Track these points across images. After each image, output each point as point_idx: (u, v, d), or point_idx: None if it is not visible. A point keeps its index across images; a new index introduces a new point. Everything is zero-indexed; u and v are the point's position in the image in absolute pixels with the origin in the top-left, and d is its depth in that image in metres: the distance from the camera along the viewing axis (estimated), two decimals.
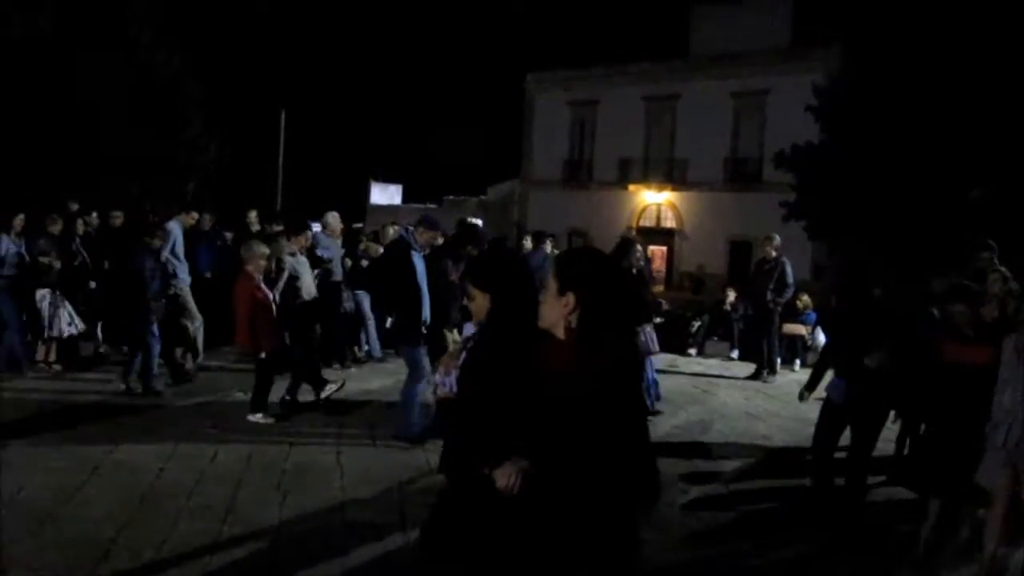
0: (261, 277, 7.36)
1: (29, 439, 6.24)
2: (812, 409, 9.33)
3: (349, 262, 10.75)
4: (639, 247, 7.99)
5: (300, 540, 4.59)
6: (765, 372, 10.76)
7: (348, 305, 10.32)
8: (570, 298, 2.35)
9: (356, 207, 33.69)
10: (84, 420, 6.86)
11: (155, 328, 8.06)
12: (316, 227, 12.89)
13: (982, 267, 6.93)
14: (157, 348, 8.07)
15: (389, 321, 8.16)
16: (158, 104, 22.40)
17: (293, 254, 8.11)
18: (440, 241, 7.77)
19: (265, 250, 7.50)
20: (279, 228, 9.80)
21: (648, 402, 8.15)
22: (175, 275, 8.94)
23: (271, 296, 7.36)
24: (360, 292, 10.49)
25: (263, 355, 7.17)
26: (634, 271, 7.74)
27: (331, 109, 40.59)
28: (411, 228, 7.29)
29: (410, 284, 6.81)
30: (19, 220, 8.93)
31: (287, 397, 7.74)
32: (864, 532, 5.23)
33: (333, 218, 10.21)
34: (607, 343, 2.32)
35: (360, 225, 13.14)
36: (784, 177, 20.46)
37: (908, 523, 5.21)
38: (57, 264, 9.00)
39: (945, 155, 15.48)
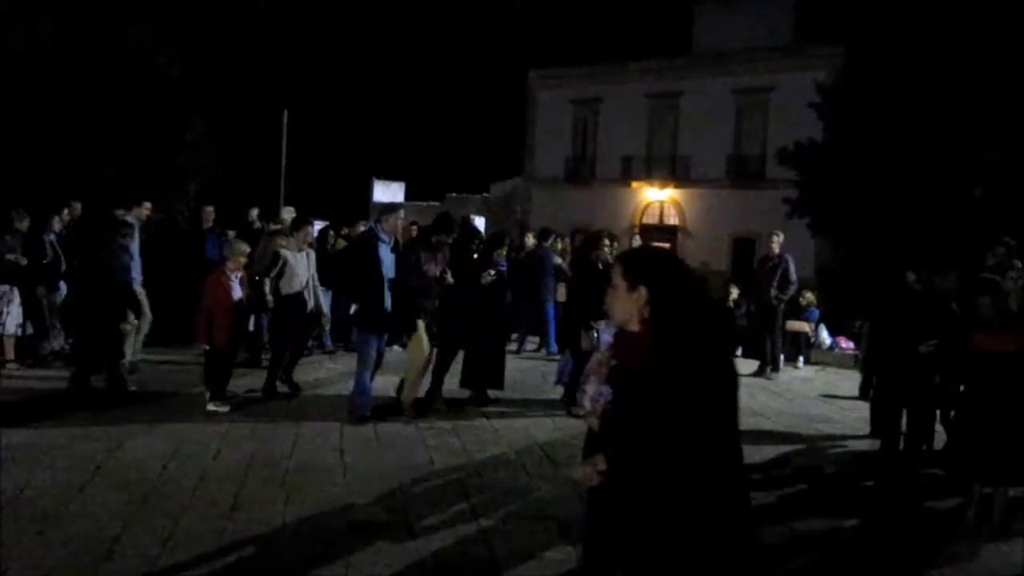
0: (238, 275, 7.61)
1: (31, 439, 6.24)
2: (816, 405, 9.32)
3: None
4: (607, 241, 8.02)
5: (304, 539, 4.58)
6: (768, 369, 10.75)
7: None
8: (642, 292, 2.44)
9: (359, 205, 33.66)
10: (86, 419, 6.86)
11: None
12: (319, 225, 12.92)
13: (998, 263, 7.14)
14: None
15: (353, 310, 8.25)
16: (159, 105, 22.41)
17: (293, 249, 8.37)
18: (414, 231, 7.85)
19: (246, 248, 7.87)
20: (276, 226, 10.05)
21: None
22: (129, 273, 8.78)
23: (238, 295, 7.55)
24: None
25: (207, 347, 7.45)
26: (600, 266, 7.68)
27: (333, 108, 40.59)
28: (379, 221, 7.43)
29: (372, 274, 7.01)
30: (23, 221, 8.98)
31: (284, 379, 8.27)
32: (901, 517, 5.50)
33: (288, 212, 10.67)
34: (681, 329, 2.37)
35: (327, 223, 13.23)
36: (787, 174, 20.44)
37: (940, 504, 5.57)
38: (23, 261, 8.97)
39: (948, 151, 15.45)
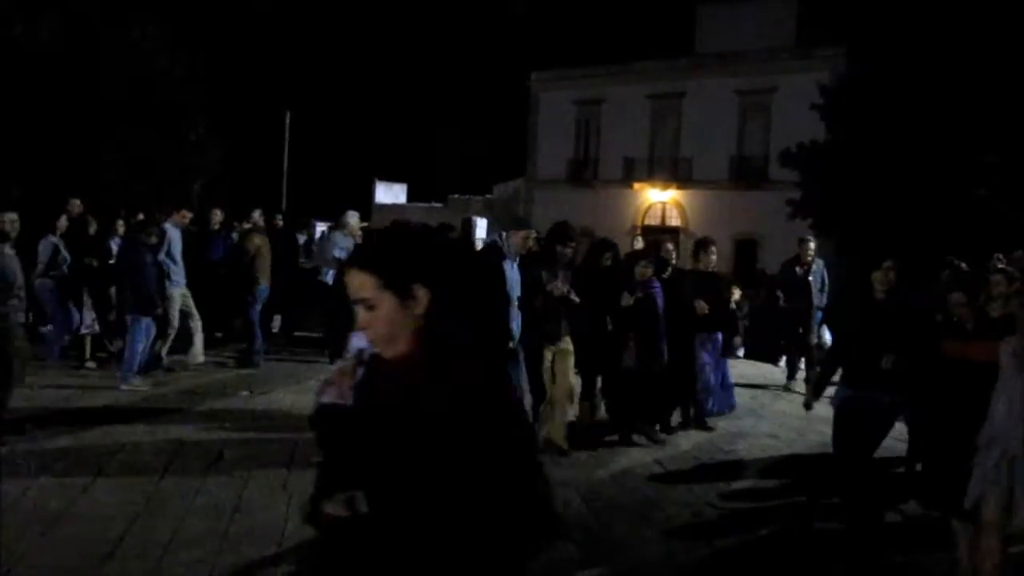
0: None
1: (34, 439, 6.25)
2: (816, 408, 9.29)
3: None
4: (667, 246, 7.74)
5: (305, 542, 4.58)
6: (789, 379, 10.40)
7: None
8: (421, 295, 1.77)
9: (361, 206, 33.66)
10: (89, 420, 6.86)
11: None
12: (321, 227, 12.93)
13: (1015, 267, 6.70)
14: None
15: None
16: (162, 106, 22.45)
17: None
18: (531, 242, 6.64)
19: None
20: (248, 225, 11.10)
21: (711, 406, 7.62)
22: (169, 277, 8.84)
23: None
24: None
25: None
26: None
27: (335, 109, 40.56)
28: (503, 235, 6.53)
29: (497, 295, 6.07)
30: (63, 221, 9.14)
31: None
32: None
33: (352, 218, 10.36)
34: (462, 365, 1.75)
35: (329, 224, 13.36)
36: (790, 175, 20.46)
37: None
38: (94, 263, 9.24)
39: (951, 153, 15.44)
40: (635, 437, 7.04)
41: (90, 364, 9.05)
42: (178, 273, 8.98)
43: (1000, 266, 6.43)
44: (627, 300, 6.80)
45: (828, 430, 7.65)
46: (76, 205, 10.43)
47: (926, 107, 15.79)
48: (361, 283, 1.77)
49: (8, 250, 6.63)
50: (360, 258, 1.84)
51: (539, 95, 33.45)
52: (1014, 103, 14.77)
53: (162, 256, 8.66)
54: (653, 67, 30.13)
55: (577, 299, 6.55)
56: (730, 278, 10.87)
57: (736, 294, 12.95)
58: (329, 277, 9.94)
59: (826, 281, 10.13)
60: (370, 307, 1.77)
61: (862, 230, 17.04)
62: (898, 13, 17.10)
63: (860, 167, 16.97)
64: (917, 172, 15.75)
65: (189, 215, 9.75)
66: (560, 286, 6.36)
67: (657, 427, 7.20)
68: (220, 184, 25.13)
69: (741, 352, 12.45)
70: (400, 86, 41.33)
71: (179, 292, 8.96)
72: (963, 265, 7.25)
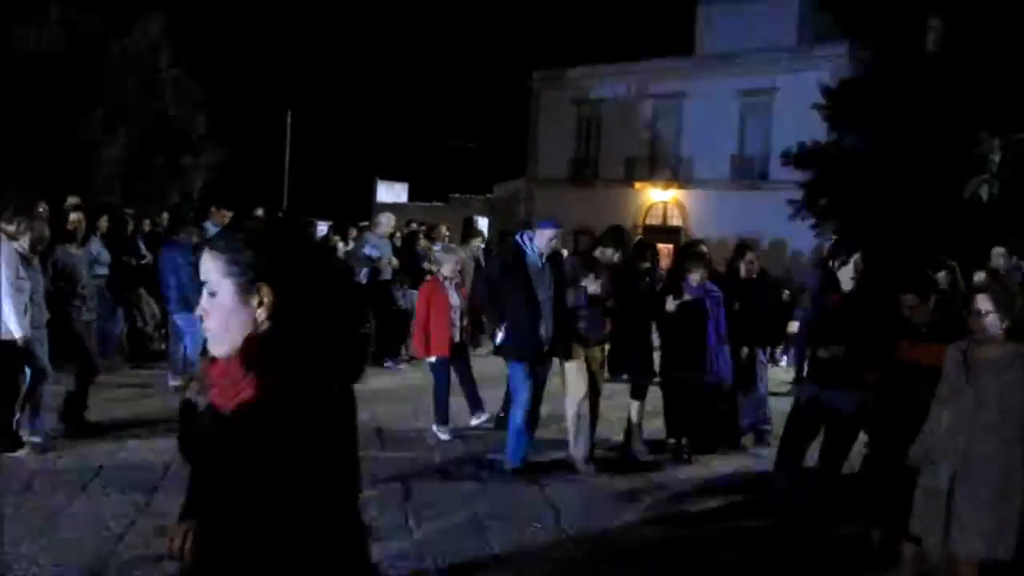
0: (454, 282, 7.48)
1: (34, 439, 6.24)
2: None
3: (396, 261, 10.41)
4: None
5: None
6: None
7: (403, 303, 10.27)
8: (265, 294, 1.62)
9: (362, 205, 33.69)
10: (89, 419, 6.84)
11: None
12: (322, 227, 12.94)
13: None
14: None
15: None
16: (163, 105, 22.44)
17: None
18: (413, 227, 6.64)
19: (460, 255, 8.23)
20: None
21: (746, 424, 7.13)
22: None
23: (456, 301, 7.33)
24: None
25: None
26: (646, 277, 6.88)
27: (336, 108, 40.58)
28: (524, 235, 6.41)
29: (518, 294, 6.03)
30: (103, 221, 9.14)
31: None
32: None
33: (386, 218, 10.35)
34: (289, 359, 1.59)
35: (330, 224, 13.31)
36: (791, 175, 20.41)
37: None
38: (133, 262, 9.40)
39: (953, 153, 15.42)
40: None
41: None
42: None
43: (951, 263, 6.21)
44: (671, 305, 6.52)
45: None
46: (72, 204, 10.44)
47: (928, 106, 15.76)
48: (208, 267, 1.65)
49: (74, 250, 6.65)
50: (214, 241, 1.74)
51: (540, 94, 33.42)
52: (1017, 101, 14.74)
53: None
54: (654, 67, 30.09)
55: (612, 302, 6.38)
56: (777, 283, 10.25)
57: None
58: (363, 276, 9.75)
59: None
60: (211, 293, 1.65)
61: (864, 230, 17.02)
62: (899, 12, 17.08)
63: (862, 167, 16.94)
64: (919, 172, 15.72)
65: (229, 214, 9.75)
66: (592, 286, 6.14)
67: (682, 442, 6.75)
68: (221, 184, 25.14)
69: (784, 361, 11.85)
70: (401, 85, 41.35)
71: None
72: (952, 263, 7.12)
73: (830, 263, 9.63)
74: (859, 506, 4.86)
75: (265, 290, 1.61)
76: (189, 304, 8.06)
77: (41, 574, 4.02)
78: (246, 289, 1.62)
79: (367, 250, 9.66)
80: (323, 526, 1.59)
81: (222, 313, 1.64)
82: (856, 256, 5.05)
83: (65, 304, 6.30)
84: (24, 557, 4.17)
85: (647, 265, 7.05)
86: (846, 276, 5.16)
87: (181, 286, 7.93)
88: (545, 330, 6.01)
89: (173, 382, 8.14)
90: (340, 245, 11.45)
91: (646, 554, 4.82)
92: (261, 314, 1.62)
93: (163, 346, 9.39)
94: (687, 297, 6.49)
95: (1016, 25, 15.02)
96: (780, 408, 8.93)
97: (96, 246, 8.71)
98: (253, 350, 1.60)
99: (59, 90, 19.61)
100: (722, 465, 6.65)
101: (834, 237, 10.63)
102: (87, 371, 6.49)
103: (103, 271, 8.71)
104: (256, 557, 1.54)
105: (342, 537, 1.65)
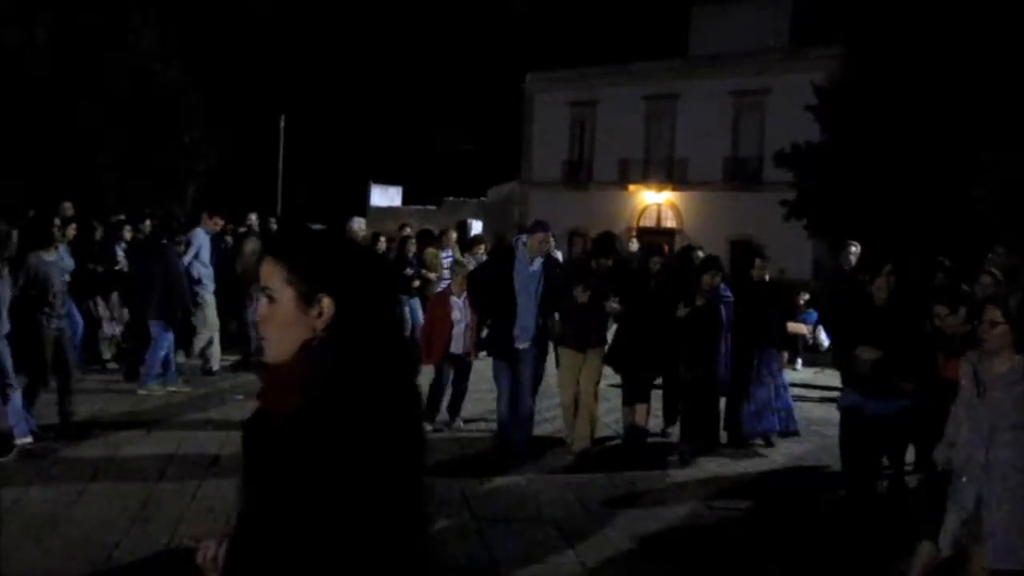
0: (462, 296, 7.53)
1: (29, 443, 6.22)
2: (814, 408, 9.29)
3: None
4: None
5: None
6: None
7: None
8: (325, 304, 1.60)
9: (356, 209, 33.68)
10: (83, 425, 6.82)
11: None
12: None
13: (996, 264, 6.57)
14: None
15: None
16: (157, 109, 22.41)
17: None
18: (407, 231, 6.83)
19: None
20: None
21: (774, 426, 7.21)
22: (200, 281, 8.84)
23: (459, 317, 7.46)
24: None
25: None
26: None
27: (330, 111, 40.47)
28: (519, 239, 6.74)
29: (505, 295, 6.34)
30: (71, 229, 8.99)
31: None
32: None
33: (357, 223, 10.35)
34: (363, 363, 1.58)
35: (323, 227, 13.24)
36: (784, 176, 20.49)
37: None
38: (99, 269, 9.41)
39: (945, 153, 15.49)
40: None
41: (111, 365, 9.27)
42: (208, 277, 8.99)
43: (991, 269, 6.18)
44: (682, 311, 6.57)
45: (826, 431, 7.67)
46: (67, 208, 10.40)
47: (920, 107, 15.84)
48: (269, 272, 1.64)
49: (49, 257, 6.61)
50: (275, 246, 1.72)
51: (534, 97, 33.46)
52: (1009, 102, 14.82)
53: (188, 259, 8.68)
54: (647, 68, 30.16)
55: (618, 307, 6.63)
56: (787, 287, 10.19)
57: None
58: None
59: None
60: (271, 299, 1.63)
61: (856, 230, 17.07)
62: (892, 13, 17.16)
63: (854, 167, 17.01)
64: (911, 172, 15.80)
65: (221, 221, 9.71)
66: (582, 294, 6.39)
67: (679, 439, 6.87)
68: (215, 188, 25.11)
69: (799, 364, 11.95)
70: (395, 88, 41.28)
71: (211, 297, 9.02)
72: (946, 262, 7.08)
73: (858, 276, 9.54)
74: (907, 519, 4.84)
75: (326, 301, 1.60)
76: (165, 314, 8.07)
77: None
78: (307, 298, 1.61)
79: None
80: (373, 546, 1.53)
81: (280, 320, 1.63)
82: (855, 248, 5.09)
83: (35, 311, 6.27)
84: (20, 563, 4.15)
85: (656, 267, 7.10)
86: (878, 289, 5.20)
87: (161, 294, 7.93)
88: (525, 330, 6.30)
89: (142, 390, 8.05)
90: None
91: (646, 554, 4.82)
92: (319, 324, 1.61)
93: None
94: (699, 302, 6.58)
95: (1007, 25, 15.09)
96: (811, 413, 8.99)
97: (61, 252, 8.72)
98: (308, 359, 1.59)
99: (54, 92, 19.58)
100: (722, 466, 6.66)
101: (855, 243, 10.49)
102: (39, 380, 6.44)
103: (66, 278, 8.73)
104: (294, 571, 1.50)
105: (397, 555, 1.58)
